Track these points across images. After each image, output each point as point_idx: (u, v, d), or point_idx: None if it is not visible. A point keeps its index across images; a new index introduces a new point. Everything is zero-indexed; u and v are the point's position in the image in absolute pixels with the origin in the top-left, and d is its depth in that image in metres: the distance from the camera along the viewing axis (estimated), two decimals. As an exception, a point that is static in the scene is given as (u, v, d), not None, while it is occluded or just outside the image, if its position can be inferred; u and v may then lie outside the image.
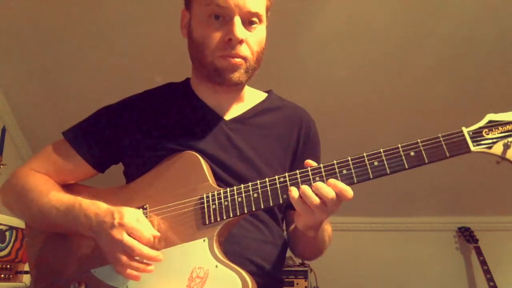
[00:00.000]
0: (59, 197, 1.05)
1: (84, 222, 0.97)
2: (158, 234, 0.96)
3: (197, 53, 1.07)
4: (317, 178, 0.90)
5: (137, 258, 0.93)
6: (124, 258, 0.92)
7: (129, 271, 0.93)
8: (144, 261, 0.94)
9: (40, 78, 2.63)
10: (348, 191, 0.87)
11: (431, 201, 3.10)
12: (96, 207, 0.98)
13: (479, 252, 2.89)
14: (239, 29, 1.01)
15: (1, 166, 2.27)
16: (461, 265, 3.14)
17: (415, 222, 3.22)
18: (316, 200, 0.87)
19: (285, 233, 1.19)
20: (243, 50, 1.04)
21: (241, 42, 1.03)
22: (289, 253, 1.20)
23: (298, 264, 2.70)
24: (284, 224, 1.21)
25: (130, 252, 0.91)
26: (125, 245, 0.91)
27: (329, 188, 0.87)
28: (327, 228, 1.10)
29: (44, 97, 2.71)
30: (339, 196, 0.87)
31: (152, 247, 0.94)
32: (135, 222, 0.93)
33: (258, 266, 1.04)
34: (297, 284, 2.64)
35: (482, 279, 2.78)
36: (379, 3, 2.23)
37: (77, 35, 2.40)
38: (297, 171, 0.92)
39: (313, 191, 0.88)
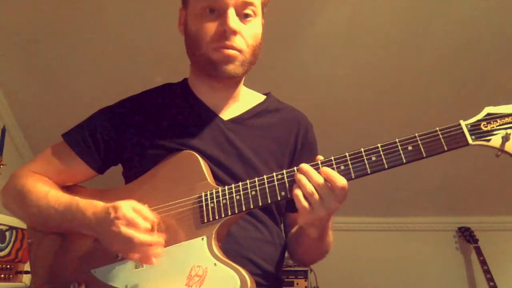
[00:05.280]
0: (57, 198, 1.05)
1: (82, 221, 0.98)
2: (155, 219, 0.95)
3: (192, 46, 1.07)
4: (314, 174, 0.90)
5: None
6: (128, 248, 0.92)
7: (138, 256, 0.93)
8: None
9: (40, 78, 2.63)
10: (338, 178, 0.86)
11: (431, 201, 3.10)
12: (93, 205, 0.98)
13: (479, 252, 2.89)
14: (233, 20, 1.01)
15: (1, 166, 2.27)
16: (461, 265, 3.13)
17: (415, 222, 3.22)
18: (310, 187, 0.87)
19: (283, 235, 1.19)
20: (237, 41, 1.03)
21: (235, 33, 1.02)
22: (289, 253, 1.20)
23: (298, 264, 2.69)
24: (283, 228, 1.21)
25: (130, 243, 0.91)
26: (123, 237, 0.90)
27: (317, 174, 0.88)
28: (330, 233, 1.08)
29: (44, 97, 2.71)
30: (329, 181, 0.87)
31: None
32: (129, 213, 0.92)
33: (258, 265, 1.04)
34: (297, 284, 2.63)
35: (482, 279, 2.77)
36: (379, 3, 2.23)
37: (77, 35, 2.40)
38: (295, 168, 0.92)
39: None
